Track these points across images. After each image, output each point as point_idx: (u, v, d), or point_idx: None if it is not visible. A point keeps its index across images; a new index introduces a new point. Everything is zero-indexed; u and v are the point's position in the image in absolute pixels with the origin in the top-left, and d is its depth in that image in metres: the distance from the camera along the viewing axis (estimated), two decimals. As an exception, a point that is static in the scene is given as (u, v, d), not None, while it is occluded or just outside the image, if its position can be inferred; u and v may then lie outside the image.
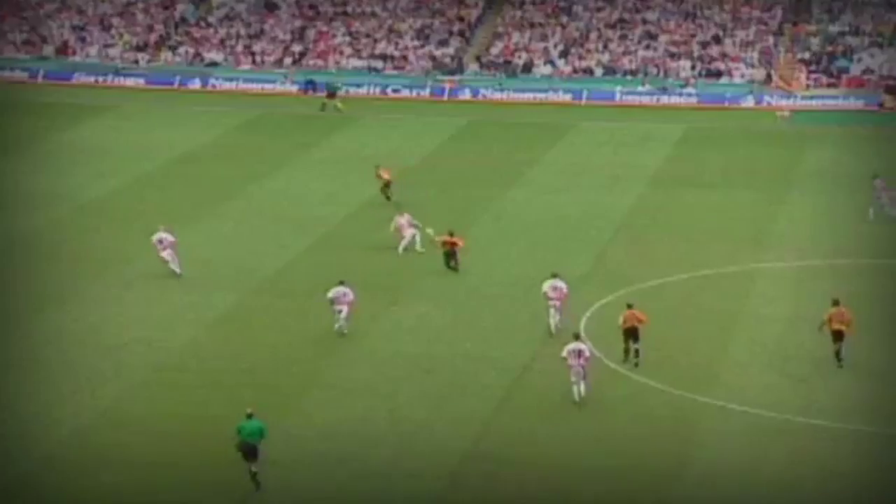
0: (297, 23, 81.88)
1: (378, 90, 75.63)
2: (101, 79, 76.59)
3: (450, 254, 43.08)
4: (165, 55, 79.40)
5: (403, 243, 44.58)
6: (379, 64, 78.26)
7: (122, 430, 31.71)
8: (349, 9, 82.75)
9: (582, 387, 33.19)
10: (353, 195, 52.29)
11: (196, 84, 76.01)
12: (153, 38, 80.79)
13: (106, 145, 60.44)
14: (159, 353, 36.11)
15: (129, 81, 76.49)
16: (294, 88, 75.37)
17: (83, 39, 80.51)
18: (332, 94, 70.65)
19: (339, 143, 62.77)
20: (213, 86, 76.15)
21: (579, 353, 33.22)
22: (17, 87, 74.40)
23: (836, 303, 35.46)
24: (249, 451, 29.16)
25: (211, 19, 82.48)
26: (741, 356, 36.20)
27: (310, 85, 75.23)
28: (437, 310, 40.11)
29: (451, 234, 43.34)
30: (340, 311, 37.59)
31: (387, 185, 51.05)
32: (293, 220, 48.52)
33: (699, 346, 37.07)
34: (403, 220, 44.88)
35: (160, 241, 42.09)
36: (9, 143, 59.19)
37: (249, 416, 29.55)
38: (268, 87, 75.80)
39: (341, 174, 55.84)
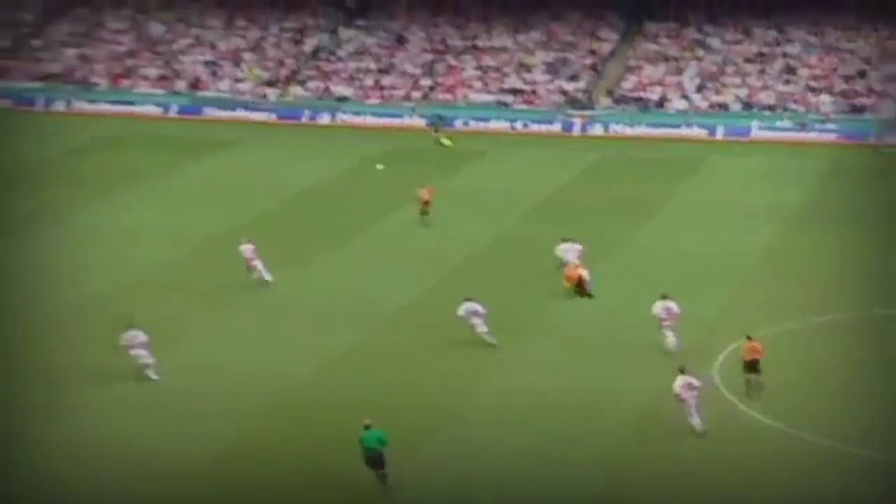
0: (427, 57, 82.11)
1: (507, 125, 75.41)
2: (231, 113, 77.62)
3: (579, 286, 43.20)
4: (295, 90, 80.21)
5: None
6: (508, 98, 78.06)
7: (250, 462, 31.76)
8: (479, 42, 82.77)
9: (697, 419, 32.87)
10: (479, 231, 52.01)
11: (325, 118, 76.59)
12: (283, 72, 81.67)
13: (235, 179, 61.04)
14: (284, 387, 36.09)
15: (259, 116, 77.38)
16: (422, 122, 75.52)
17: (214, 74, 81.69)
18: (436, 128, 70.77)
19: (466, 178, 62.61)
20: (342, 120, 76.67)
21: (690, 386, 33.08)
22: (150, 121, 75.71)
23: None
24: (376, 461, 29.99)
25: (341, 53, 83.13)
26: (866, 403, 35.16)
27: (438, 119, 75.32)
28: (563, 345, 39.65)
29: (566, 264, 43.56)
30: (476, 326, 38.45)
31: (426, 204, 52.14)
32: (419, 255, 48.33)
33: (830, 390, 36.07)
34: None
35: (248, 252, 44.03)
36: (141, 177, 60.11)
37: (367, 427, 30.32)
38: (395, 121, 76.04)
39: (468, 209, 55.62)
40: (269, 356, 38.41)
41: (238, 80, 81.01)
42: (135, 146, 68.44)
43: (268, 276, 44.42)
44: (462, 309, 38.94)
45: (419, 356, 38.99)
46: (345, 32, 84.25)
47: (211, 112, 77.67)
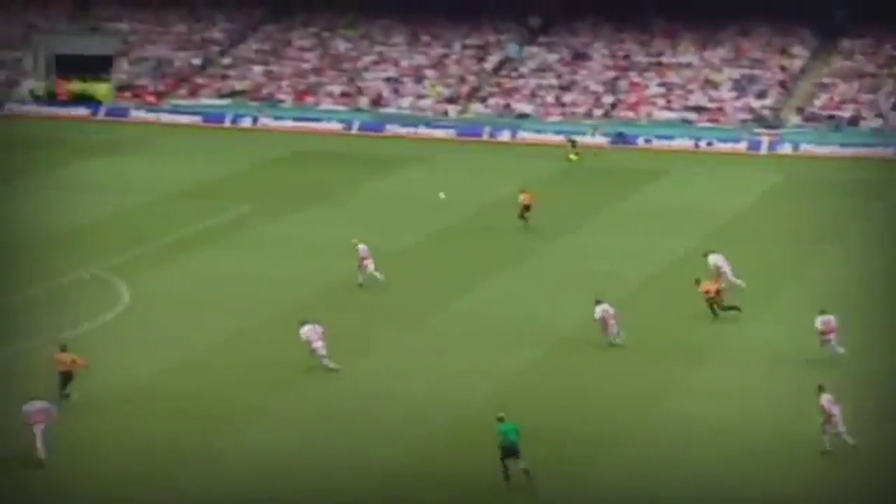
0: (610, 73, 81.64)
1: (691, 143, 74.46)
2: (412, 130, 78.35)
3: (711, 303, 42.92)
4: (475, 106, 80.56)
5: None
6: (693, 116, 77.06)
7: (423, 481, 31.87)
8: (664, 59, 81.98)
9: (847, 438, 32.69)
10: (658, 252, 51.40)
11: (505, 135, 76.74)
12: (464, 89, 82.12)
13: (416, 195, 61.50)
14: (457, 407, 36.12)
15: (440, 132, 77.94)
16: (603, 141, 75.06)
17: (397, 91, 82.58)
18: (573, 143, 70.90)
19: (647, 197, 61.98)
20: (522, 137, 76.71)
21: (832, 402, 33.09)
22: (333, 138, 76.87)
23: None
24: (512, 450, 31.27)
25: (523, 70, 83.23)
26: None
27: (619, 137, 74.83)
28: (735, 371, 38.90)
29: (698, 282, 43.54)
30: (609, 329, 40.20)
31: (526, 208, 53.92)
32: (593, 275, 47.92)
33: None
34: None
35: (363, 252, 45.81)
36: (324, 193, 60.96)
37: (501, 419, 31.74)
38: (576, 139, 75.78)
39: (648, 229, 55.02)
40: (443, 377, 38.45)
41: (420, 97, 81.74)
42: (318, 162, 69.54)
43: (379, 277, 45.91)
44: (598, 311, 40.57)
45: (592, 378, 38.63)
46: (527, 49, 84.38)
47: (392, 129, 78.51)
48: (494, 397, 36.64)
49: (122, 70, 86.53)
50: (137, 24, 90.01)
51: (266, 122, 79.98)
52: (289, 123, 79.56)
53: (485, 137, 76.90)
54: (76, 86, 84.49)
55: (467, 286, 46.87)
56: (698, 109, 77.31)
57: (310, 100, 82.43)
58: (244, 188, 61.24)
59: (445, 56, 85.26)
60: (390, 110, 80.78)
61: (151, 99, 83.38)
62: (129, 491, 31.06)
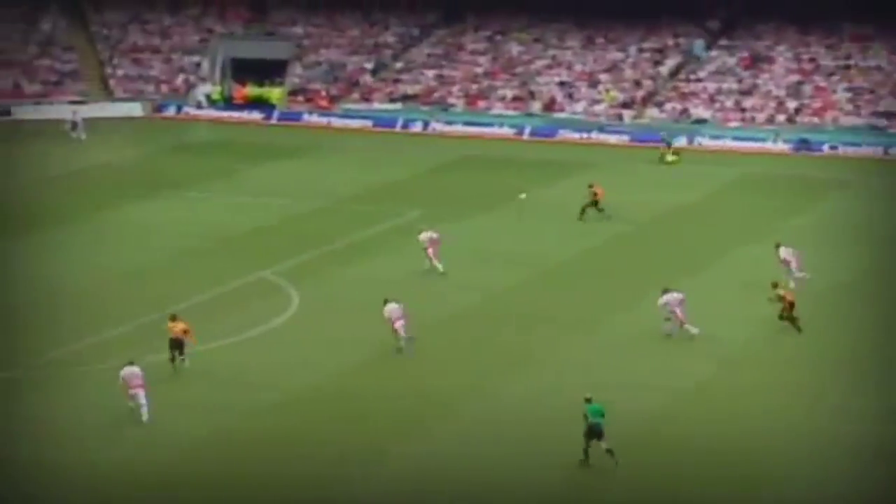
0: (793, 77, 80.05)
1: (880, 150, 72.57)
2: (585, 135, 77.91)
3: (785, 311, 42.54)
4: (650, 111, 79.78)
5: None
6: (882, 122, 75.08)
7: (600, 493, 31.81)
8: (853, 62, 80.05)
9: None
10: (835, 268, 50.03)
11: (681, 141, 75.74)
12: (640, 94, 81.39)
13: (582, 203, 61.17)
14: (628, 417, 35.80)
15: (614, 138, 77.36)
16: (786, 147, 73.61)
17: (570, 96, 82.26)
18: (668, 143, 70.76)
19: (829, 210, 60.53)
20: (699, 143, 75.67)
21: None
22: (504, 143, 76.89)
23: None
24: (596, 431, 32.75)
25: (701, 74, 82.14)
26: None
27: (803, 144, 73.35)
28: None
29: (775, 285, 43.19)
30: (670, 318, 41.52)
31: (595, 201, 56.03)
32: (765, 289, 46.94)
33: None
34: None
35: (429, 240, 47.23)
36: (493, 200, 60.85)
37: (589, 400, 33.21)
38: (756, 145, 74.47)
39: (825, 244, 53.57)
40: (614, 388, 38.04)
41: (593, 102, 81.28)
42: (488, 168, 69.58)
43: (440, 268, 47.15)
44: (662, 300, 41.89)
45: (766, 394, 37.86)
46: (706, 53, 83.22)
47: (565, 134, 78.19)
48: (670, 410, 36.16)
49: (296, 74, 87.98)
50: (312, 28, 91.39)
51: (437, 126, 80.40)
52: (459, 128, 79.87)
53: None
54: (251, 90, 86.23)
55: (640, 295, 46.28)
56: (888, 115, 75.29)
57: (481, 104, 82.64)
58: (413, 193, 61.60)
59: (620, 59, 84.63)
60: (563, 115, 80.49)
61: (324, 103, 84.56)
62: (308, 493, 31.50)
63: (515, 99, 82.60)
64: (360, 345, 41.31)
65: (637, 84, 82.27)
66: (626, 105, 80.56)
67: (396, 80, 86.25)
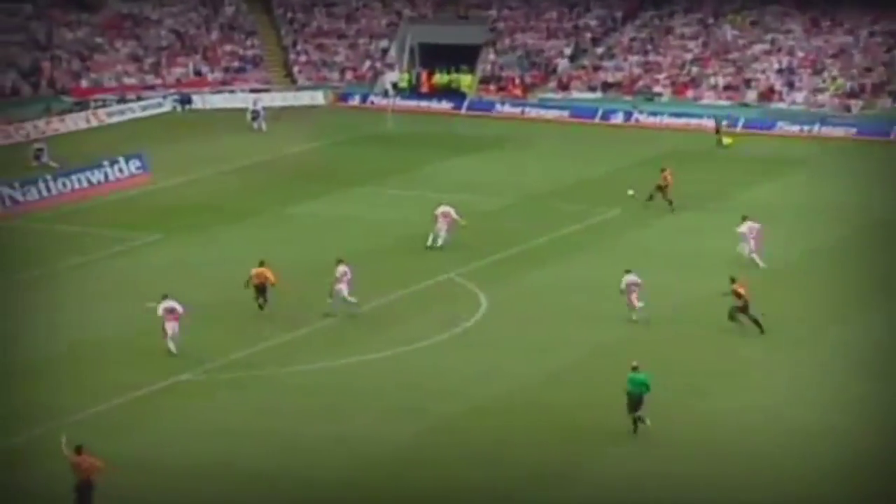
0: None
1: None
2: (805, 128, 76.91)
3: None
4: (882, 101, 78.37)
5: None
6: None
7: None
8: None
9: None
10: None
11: (917, 135, 74.39)
12: (870, 82, 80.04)
13: (800, 203, 60.59)
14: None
15: (838, 131, 76.20)
16: None
17: (790, 84, 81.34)
18: (718, 128, 71.65)
19: None
20: (943, 136, 74.11)
21: None
22: (709, 136, 76.14)
23: None
24: (636, 401, 35.10)
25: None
26: None
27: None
28: None
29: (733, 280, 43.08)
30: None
31: (661, 188, 57.37)
32: None
33: None
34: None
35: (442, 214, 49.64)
36: (699, 199, 60.57)
37: (635, 369, 35.45)
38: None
39: None
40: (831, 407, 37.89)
41: (816, 91, 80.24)
42: (694, 163, 69.10)
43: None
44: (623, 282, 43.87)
45: None
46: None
47: (783, 127, 77.35)
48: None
49: (488, 60, 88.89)
50: (507, 11, 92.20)
51: (640, 117, 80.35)
52: (665, 120, 79.71)
53: (893, 137, 74.66)
54: (440, 78, 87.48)
55: (850, 312, 45.79)
56: None
57: (689, 94, 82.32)
58: (612, 191, 61.81)
59: (849, 44, 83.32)
60: (781, 106, 79.66)
61: (517, 92, 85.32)
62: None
63: (728, 88, 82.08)
64: (552, 352, 41.83)
65: (867, 71, 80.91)
66: (853, 94, 79.33)
67: (597, 67, 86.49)
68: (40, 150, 69.02)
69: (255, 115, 78.80)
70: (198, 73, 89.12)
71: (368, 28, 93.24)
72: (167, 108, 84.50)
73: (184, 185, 64.78)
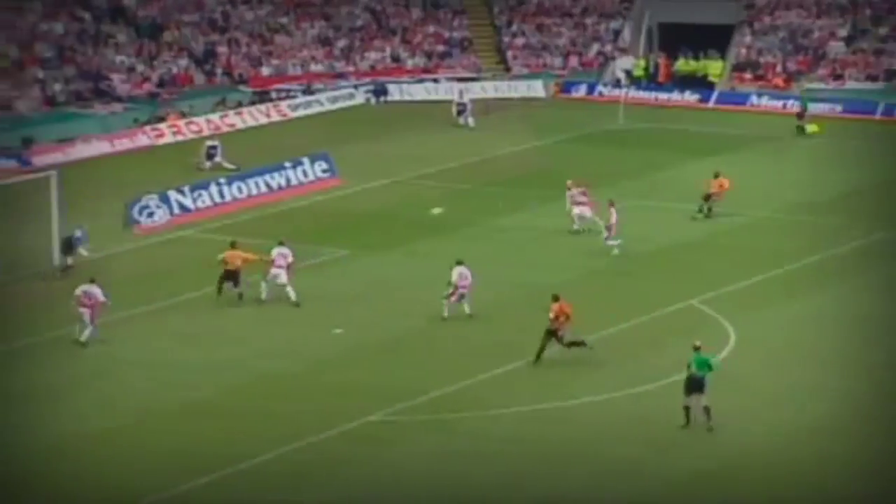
0: None
1: None
2: None
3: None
4: None
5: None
6: None
7: None
8: None
9: None
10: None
11: None
12: None
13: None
14: None
15: None
16: None
17: None
18: (800, 115, 73.14)
19: None
20: None
21: None
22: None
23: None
24: (697, 384, 38.48)
25: None
26: None
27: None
28: None
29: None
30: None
31: (710, 195, 58.65)
32: None
33: None
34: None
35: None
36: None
37: (697, 349, 38.93)
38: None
39: None
40: None
41: None
42: None
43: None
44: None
45: None
46: None
47: None
48: None
49: (743, 44, 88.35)
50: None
51: (928, 112, 79.15)
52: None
53: None
54: (684, 64, 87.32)
55: None
56: None
57: None
58: (888, 206, 61.03)
59: None
60: None
61: (778, 81, 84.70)
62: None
63: None
64: (814, 401, 41.45)
65: None
66: None
67: (878, 52, 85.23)
68: (214, 148, 70.84)
69: (462, 108, 79.58)
70: (395, 58, 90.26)
71: (598, 5, 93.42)
72: (359, 99, 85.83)
73: (377, 190, 65.86)
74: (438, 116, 79.81)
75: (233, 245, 50.20)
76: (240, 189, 63.90)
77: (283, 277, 49.46)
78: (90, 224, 55.96)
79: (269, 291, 49.37)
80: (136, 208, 60.29)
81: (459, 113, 79.51)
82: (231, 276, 49.28)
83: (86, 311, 46.14)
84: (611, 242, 54.42)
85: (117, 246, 56.94)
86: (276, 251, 49.72)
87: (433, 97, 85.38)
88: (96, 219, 58.38)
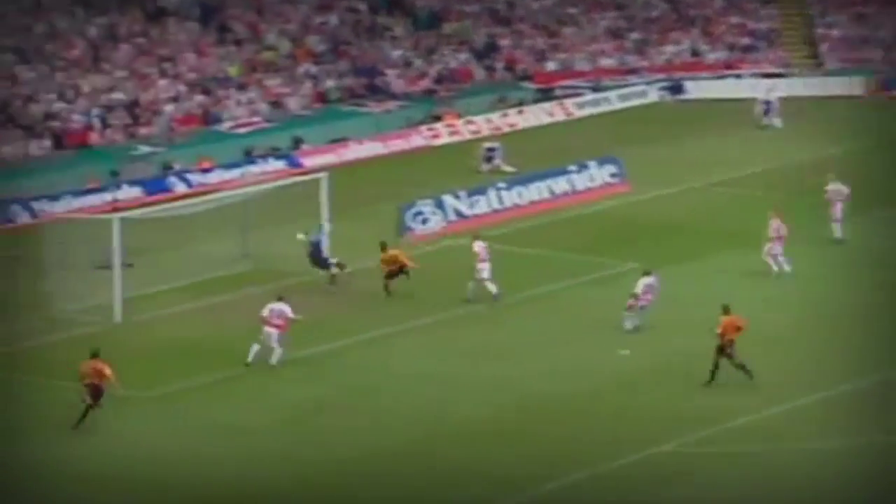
0: None
1: None
2: None
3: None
4: None
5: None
6: None
7: None
8: None
9: None
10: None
11: None
12: None
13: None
14: None
15: None
16: None
17: None
18: None
19: None
20: None
21: None
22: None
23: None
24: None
25: None
26: None
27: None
28: None
29: None
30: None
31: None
32: None
33: None
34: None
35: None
36: None
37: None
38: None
39: None
40: None
41: None
42: None
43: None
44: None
45: None
46: None
47: None
48: None
49: None
50: None
51: None
52: None
53: None
54: None
55: None
56: None
57: None
58: None
59: None
60: None
61: None
62: None
63: None
64: None
65: None
66: None
67: None
68: (492, 150, 70.99)
69: (768, 107, 78.62)
70: (694, 52, 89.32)
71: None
72: (653, 97, 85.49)
73: (671, 197, 65.31)
74: (740, 116, 78.83)
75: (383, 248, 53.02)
76: (520, 194, 63.78)
77: (485, 272, 51.22)
78: (361, 230, 56.32)
79: (473, 291, 51.23)
80: (410, 214, 60.44)
81: (765, 112, 78.54)
82: (392, 276, 52.22)
83: (273, 332, 45.84)
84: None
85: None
86: (477, 245, 52.08)
87: (734, 95, 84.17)
88: (367, 224, 58.79)
